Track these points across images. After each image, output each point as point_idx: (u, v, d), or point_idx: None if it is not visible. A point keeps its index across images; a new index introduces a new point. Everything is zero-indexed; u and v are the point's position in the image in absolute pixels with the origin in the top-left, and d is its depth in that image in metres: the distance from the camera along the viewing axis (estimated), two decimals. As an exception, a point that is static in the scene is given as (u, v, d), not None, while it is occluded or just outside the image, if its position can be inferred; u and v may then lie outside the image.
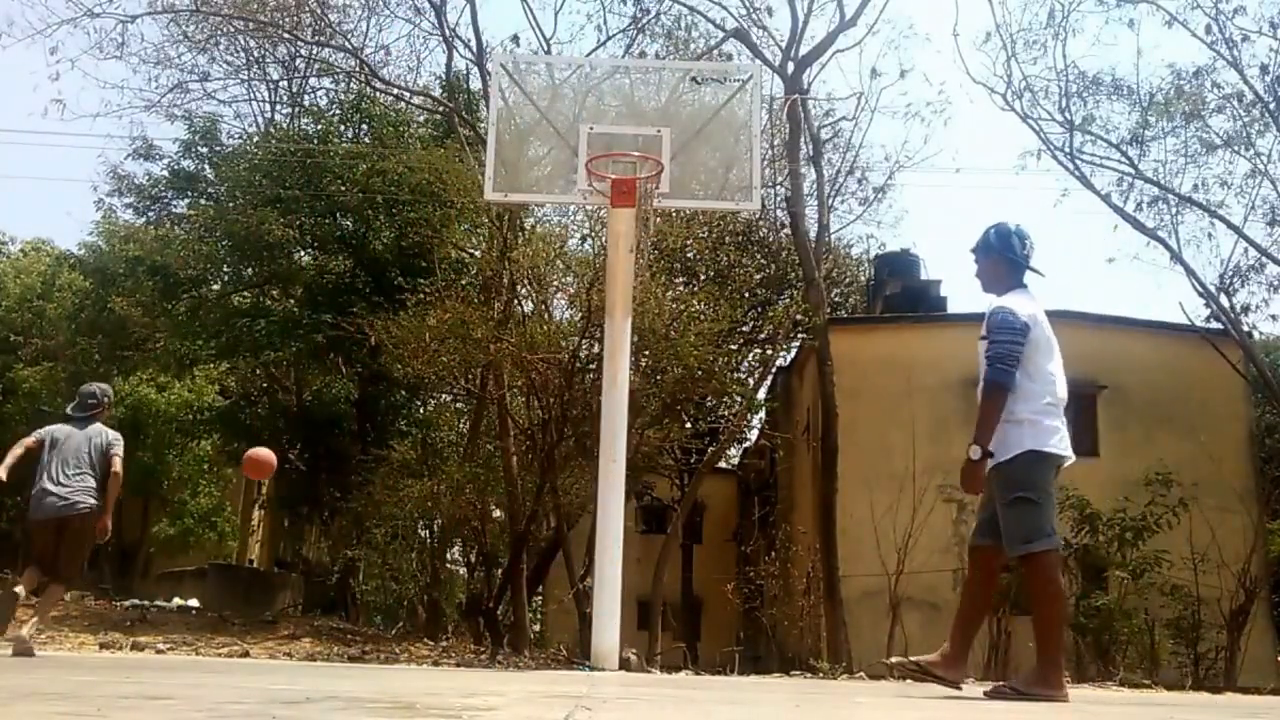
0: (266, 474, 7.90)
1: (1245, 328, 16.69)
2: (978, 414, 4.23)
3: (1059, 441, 4.27)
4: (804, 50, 15.14)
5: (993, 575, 4.45)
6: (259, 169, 15.33)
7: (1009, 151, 45.73)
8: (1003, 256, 4.44)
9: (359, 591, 15.66)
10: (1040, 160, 19.18)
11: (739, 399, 13.63)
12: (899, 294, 19.73)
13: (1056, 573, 4.21)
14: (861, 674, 7.63)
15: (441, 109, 15.68)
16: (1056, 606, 4.14)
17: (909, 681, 4.43)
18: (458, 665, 6.14)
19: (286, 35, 15.69)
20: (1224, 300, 16.43)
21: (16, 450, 6.34)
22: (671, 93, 7.12)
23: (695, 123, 6.66)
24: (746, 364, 14.90)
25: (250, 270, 16.11)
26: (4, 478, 6.00)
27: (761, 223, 15.70)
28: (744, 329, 13.41)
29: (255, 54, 17.41)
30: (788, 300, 15.18)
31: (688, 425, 12.97)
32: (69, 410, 6.67)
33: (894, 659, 4.56)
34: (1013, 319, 4.27)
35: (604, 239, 8.62)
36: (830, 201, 16.56)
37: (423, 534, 13.74)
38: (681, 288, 12.00)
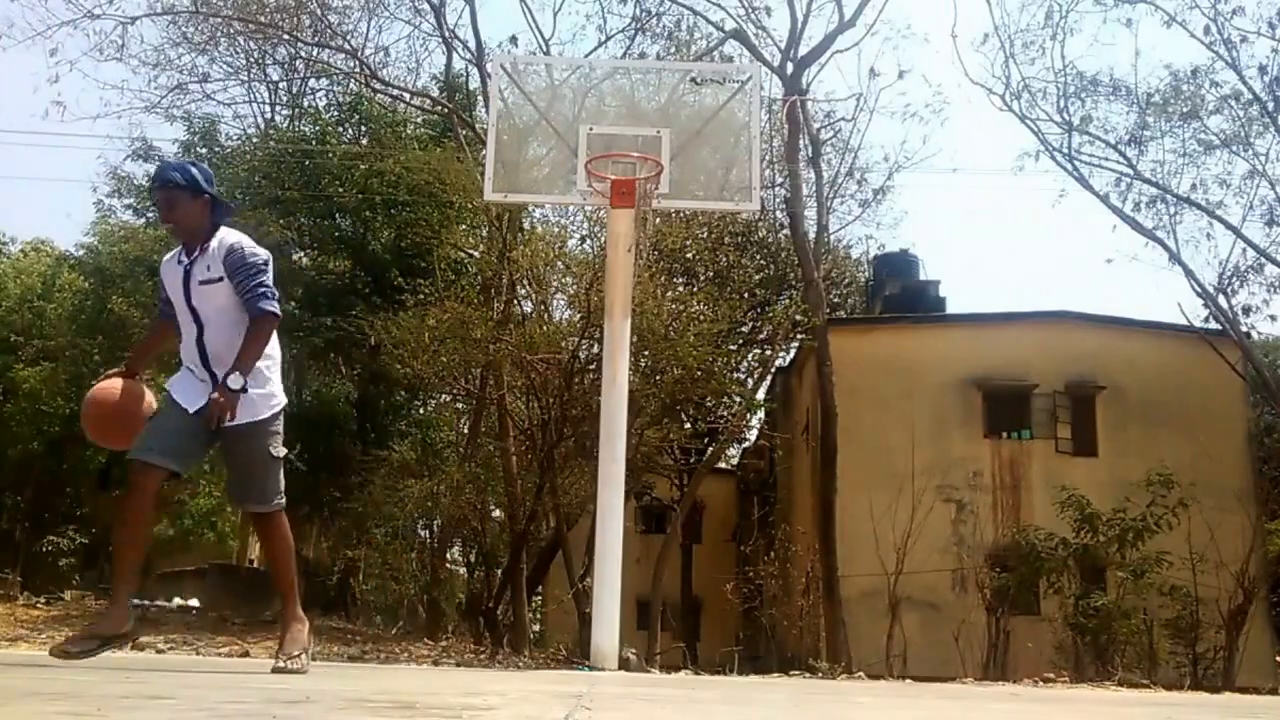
0: (110, 425, 4.41)
1: (1244, 328, 16.70)
2: (248, 347, 4.02)
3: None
4: (803, 51, 15.15)
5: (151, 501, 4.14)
6: (258, 170, 15.35)
7: (1008, 152, 45.76)
8: (212, 195, 4.07)
9: (359, 591, 15.68)
10: (1039, 161, 19.16)
11: (738, 399, 13.64)
12: (898, 294, 19.76)
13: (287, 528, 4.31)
14: (861, 674, 7.64)
15: (441, 110, 15.70)
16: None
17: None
18: (457, 665, 6.15)
19: (286, 37, 15.70)
20: (1223, 301, 16.45)
21: None
22: (671, 93, 7.13)
23: (695, 123, 6.67)
24: (746, 364, 14.92)
25: (249, 271, 16.09)
26: None
27: (761, 223, 15.71)
28: (743, 329, 13.42)
29: (254, 55, 17.42)
30: (787, 301, 15.19)
31: (687, 425, 12.99)
32: None
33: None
34: (261, 254, 4.05)
35: (603, 239, 8.63)
36: (829, 202, 16.56)
37: (422, 534, 13.76)
38: (681, 288, 12.02)
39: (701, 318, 10.63)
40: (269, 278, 4.03)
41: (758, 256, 16.03)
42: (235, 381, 3.92)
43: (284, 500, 4.32)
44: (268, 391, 4.28)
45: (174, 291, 4.09)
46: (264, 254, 4.06)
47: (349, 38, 16.04)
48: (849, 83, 56.58)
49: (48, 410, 22.51)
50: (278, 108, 19.36)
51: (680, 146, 6.44)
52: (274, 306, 4.04)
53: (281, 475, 4.32)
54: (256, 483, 4.26)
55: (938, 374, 17.47)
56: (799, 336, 15.67)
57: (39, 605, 11.07)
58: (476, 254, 13.21)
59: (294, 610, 4.08)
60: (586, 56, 14.00)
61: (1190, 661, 10.65)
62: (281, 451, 4.32)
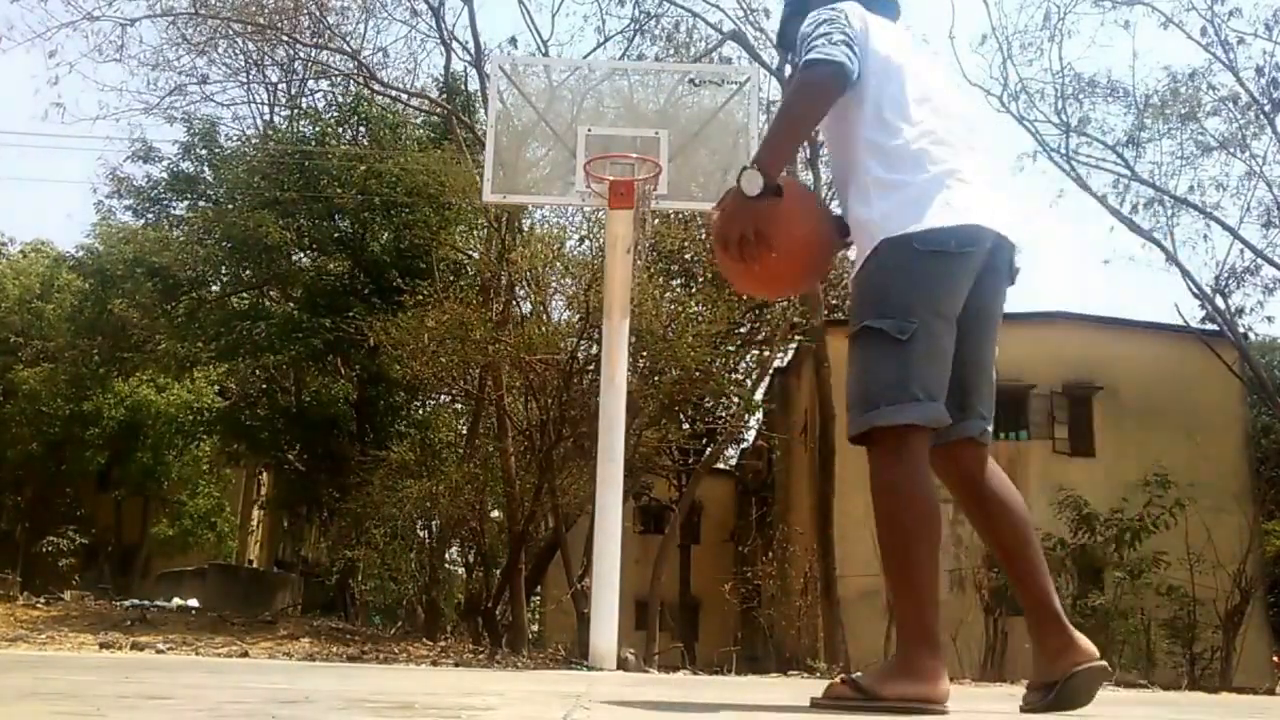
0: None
1: (1241, 329, 16.75)
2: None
3: (964, 208, 2.38)
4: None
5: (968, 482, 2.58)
6: (257, 171, 15.37)
7: (1006, 152, 45.77)
8: None
9: (358, 591, 15.67)
10: (1036, 162, 19.22)
11: (736, 400, 13.65)
12: (897, 295, 19.75)
13: (914, 472, 2.36)
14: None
15: (439, 111, 15.71)
16: (910, 535, 2.32)
17: None
18: (456, 665, 6.16)
19: (285, 38, 15.72)
20: (1220, 302, 16.51)
21: None
22: (669, 95, 7.14)
23: (693, 125, 6.68)
24: (744, 365, 14.92)
25: (249, 272, 16.14)
26: None
27: (759, 224, 15.68)
28: (741, 330, 13.41)
29: (253, 57, 17.46)
30: (785, 302, 15.19)
31: (685, 426, 13.00)
32: None
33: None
34: (829, 12, 2.50)
35: (602, 240, 8.64)
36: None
37: (421, 534, 13.73)
38: (679, 289, 12.03)
39: (700, 318, 10.64)
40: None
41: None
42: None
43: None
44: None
45: None
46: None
47: (348, 39, 16.08)
48: (848, 83, 56.32)
49: (47, 411, 22.54)
50: (277, 109, 19.40)
51: (679, 148, 6.46)
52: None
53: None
54: None
55: (936, 374, 17.48)
56: (797, 337, 15.67)
57: (39, 605, 11.07)
58: (475, 255, 13.22)
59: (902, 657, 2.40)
60: (585, 58, 14.03)
61: (1187, 661, 10.69)
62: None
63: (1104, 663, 2.42)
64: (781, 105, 2.49)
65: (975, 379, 2.51)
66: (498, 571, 12.81)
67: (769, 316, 14.24)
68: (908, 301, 2.34)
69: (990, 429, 2.58)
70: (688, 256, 12.05)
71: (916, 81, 2.53)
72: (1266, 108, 15.64)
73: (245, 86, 18.65)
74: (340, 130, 16.75)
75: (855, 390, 2.42)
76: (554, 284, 10.96)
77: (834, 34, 2.43)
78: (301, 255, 15.95)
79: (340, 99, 17.34)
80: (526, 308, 11.38)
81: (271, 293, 16.73)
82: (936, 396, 2.37)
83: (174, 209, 17.10)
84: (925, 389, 2.34)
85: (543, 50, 14.10)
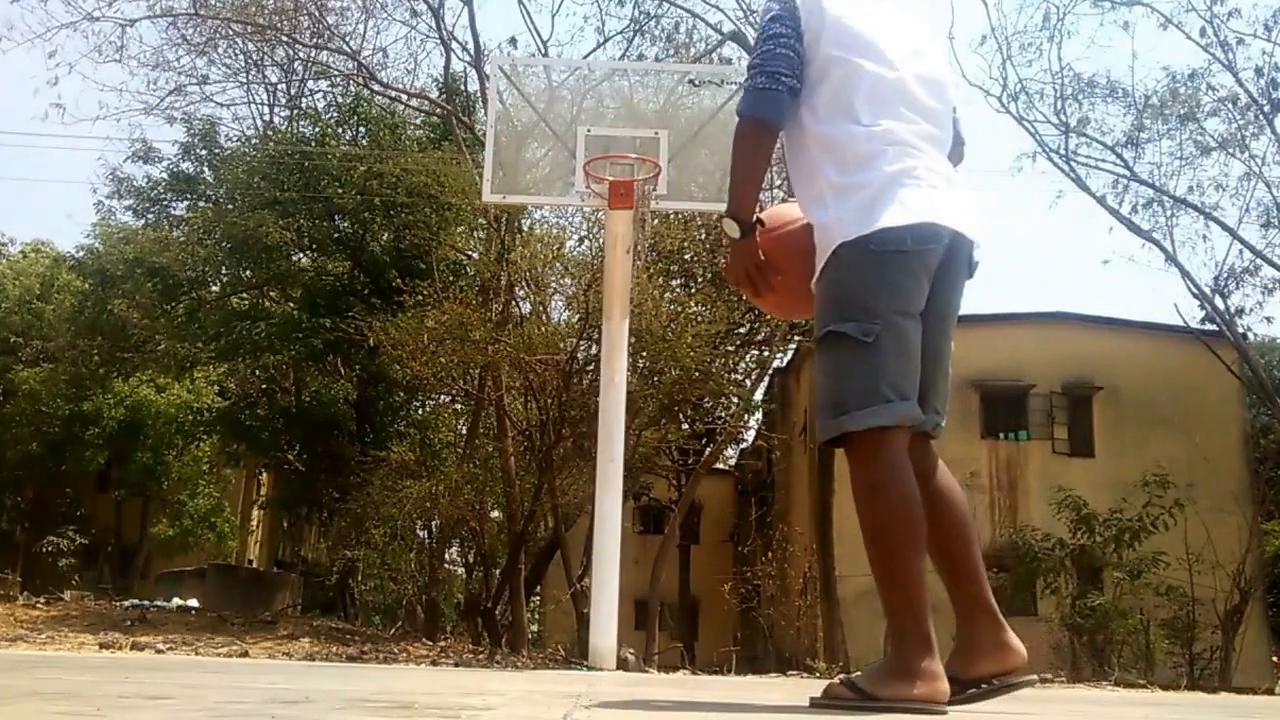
0: None
1: (1240, 330, 16.75)
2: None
3: (919, 207, 2.38)
4: (801, 52, 15.15)
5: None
6: (257, 171, 15.37)
7: (1005, 153, 45.81)
8: None
9: (358, 592, 15.69)
10: (1036, 162, 19.25)
11: (736, 400, 13.65)
12: (896, 295, 19.77)
13: (895, 471, 2.34)
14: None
15: (439, 111, 15.71)
16: (895, 535, 2.35)
17: None
18: (456, 665, 6.17)
19: (284, 38, 15.72)
20: (1219, 302, 16.50)
21: None
22: (669, 95, 7.15)
23: (693, 125, 6.69)
24: (744, 365, 14.92)
25: (249, 272, 16.14)
26: None
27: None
28: (741, 330, 13.41)
29: (253, 57, 17.45)
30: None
31: (685, 426, 13.00)
32: None
33: None
34: (776, 9, 2.52)
35: (601, 241, 8.65)
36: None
37: (421, 534, 13.74)
38: (679, 289, 12.03)
39: (699, 319, 10.64)
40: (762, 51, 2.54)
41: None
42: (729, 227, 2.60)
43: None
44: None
45: None
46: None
47: (347, 39, 16.08)
48: (847, 83, 56.27)
49: (47, 411, 22.55)
50: (276, 109, 19.40)
51: (678, 148, 6.47)
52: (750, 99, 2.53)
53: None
54: None
55: (935, 374, 17.50)
56: (797, 337, 15.69)
57: (39, 605, 11.08)
58: (475, 255, 13.23)
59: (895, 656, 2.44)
60: (585, 58, 14.03)
61: (1187, 661, 10.70)
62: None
63: (1034, 676, 2.42)
64: (732, 156, 2.58)
65: (932, 374, 2.52)
66: (497, 571, 12.82)
67: (768, 316, 14.25)
68: (869, 303, 2.37)
69: (943, 423, 2.59)
70: (687, 256, 12.06)
71: (875, 72, 2.50)
72: (1265, 108, 15.65)
73: (245, 87, 18.66)
74: (340, 131, 16.75)
75: (824, 394, 2.44)
76: (553, 284, 10.98)
77: (768, 61, 2.48)
78: (301, 255, 15.96)
79: (340, 99, 17.35)
80: (526, 308, 11.38)
81: (271, 293, 16.73)
82: (908, 395, 2.38)
83: (174, 209, 17.10)
84: (895, 389, 2.36)
85: (542, 51, 14.10)
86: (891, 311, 2.36)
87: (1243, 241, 16.52)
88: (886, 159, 2.43)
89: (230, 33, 15.67)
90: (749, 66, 2.57)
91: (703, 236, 12.60)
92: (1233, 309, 16.73)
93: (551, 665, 6.55)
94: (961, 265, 2.52)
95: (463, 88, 16.10)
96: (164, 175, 17.00)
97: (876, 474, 2.37)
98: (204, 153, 16.70)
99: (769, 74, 2.47)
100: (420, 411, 17.65)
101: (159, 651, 6.76)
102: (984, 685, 2.42)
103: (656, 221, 9.70)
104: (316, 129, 16.61)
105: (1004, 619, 2.48)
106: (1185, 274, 16.28)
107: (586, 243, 11.20)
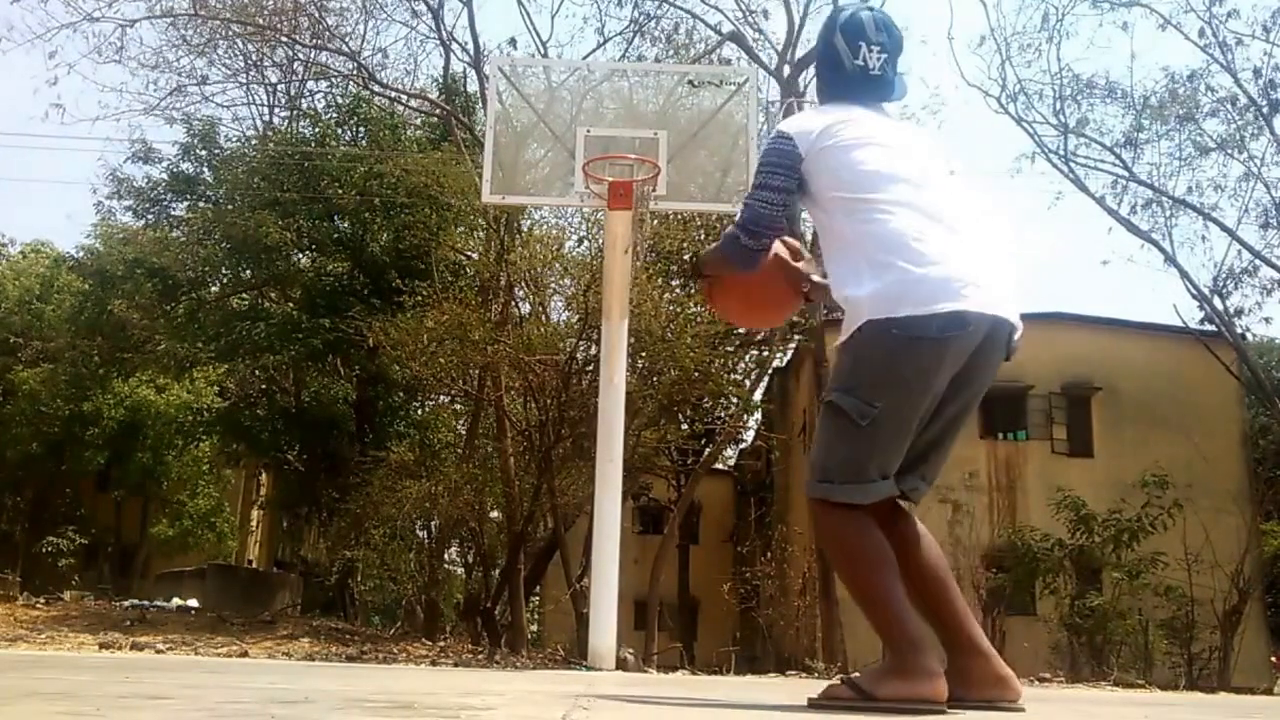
0: None
1: (1239, 330, 16.77)
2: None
3: (950, 293, 2.42)
4: (800, 53, 15.16)
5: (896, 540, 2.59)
6: (257, 172, 15.37)
7: (1005, 154, 45.80)
8: (824, 62, 2.78)
9: (357, 592, 15.68)
10: (1035, 163, 19.26)
11: (735, 400, 13.66)
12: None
13: (857, 523, 2.47)
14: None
15: (439, 112, 15.72)
16: (865, 569, 2.45)
17: None
18: (455, 665, 6.17)
19: (284, 39, 15.72)
20: (1218, 303, 16.52)
21: None
22: (668, 96, 7.15)
23: (692, 126, 6.69)
24: (743, 366, 14.93)
25: (249, 273, 16.15)
26: None
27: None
28: (740, 330, 13.43)
29: (253, 58, 17.45)
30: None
31: (684, 426, 13.00)
32: None
33: None
34: (775, 145, 2.63)
35: (601, 241, 8.66)
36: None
37: (421, 535, 13.74)
38: (678, 290, 12.04)
39: (699, 319, 10.64)
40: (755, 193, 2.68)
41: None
42: None
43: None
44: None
45: None
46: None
47: (347, 40, 16.08)
48: (847, 84, 56.19)
49: (47, 411, 22.55)
50: (276, 110, 19.39)
51: (678, 149, 6.47)
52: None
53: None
54: None
55: (935, 375, 17.49)
56: (796, 338, 15.70)
57: (39, 605, 11.08)
58: (474, 256, 13.23)
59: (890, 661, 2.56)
60: (585, 59, 14.03)
61: (1185, 662, 10.71)
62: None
63: (1023, 709, 2.47)
64: (720, 244, 2.77)
65: (933, 456, 2.62)
66: (497, 571, 12.82)
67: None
68: (876, 385, 2.44)
69: (926, 491, 2.67)
70: (687, 257, 12.06)
71: (898, 168, 2.59)
72: (1264, 109, 15.66)
73: (245, 87, 18.65)
74: (340, 131, 16.75)
75: (816, 455, 2.55)
76: (553, 285, 10.98)
77: (762, 196, 2.62)
78: (301, 256, 15.96)
79: (340, 100, 17.35)
80: (525, 308, 11.38)
81: (271, 293, 16.73)
82: (889, 474, 2.50)
83: (174, 210, 17.11)
84: (881, 469, 2.48)
85: (542, 51, 14.10)
86: (896, 395, 2.44)
87: (1241, 242, 16.55)
88: (920, 246, 2.48)
89: (230, 33, 15.68)
90: (739, 215, 2.70)
91: (702, 237, 12.61)
92: (1232, 310, 16.75)
93: (551, 665, 6.55)
94: (998, 348, 2.59)
95: (462, 88, 16.10)
96: (164, 176, 17.01)
97: (839, 528, 2.51)
98: (204, 153, 16.71)
99: (761, 213, 2.64)
100: (420, 412, 17.66)
101: (159, 651, 6.77)
102: (981, 705, 2.48)
103: (656, 222, 9.71)
104: (316, 129, 16.61)
105: (997, 654, 2.54)
106: (1184, 274, 16.31)
107: (586, 243, 11.21)
